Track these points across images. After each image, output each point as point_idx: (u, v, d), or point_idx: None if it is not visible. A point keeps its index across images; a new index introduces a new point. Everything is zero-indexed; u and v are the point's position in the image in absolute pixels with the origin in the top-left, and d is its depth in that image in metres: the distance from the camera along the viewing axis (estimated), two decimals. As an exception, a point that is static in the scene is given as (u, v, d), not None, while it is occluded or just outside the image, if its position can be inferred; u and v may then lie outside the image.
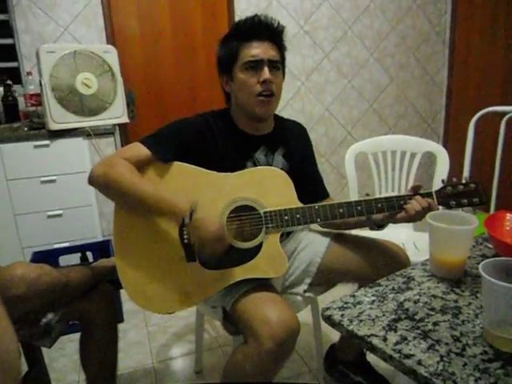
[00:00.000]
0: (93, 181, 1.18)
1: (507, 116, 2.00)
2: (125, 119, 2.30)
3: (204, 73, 3.00)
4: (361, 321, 0.82)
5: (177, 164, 1.21)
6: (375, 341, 0.75)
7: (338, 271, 1.36)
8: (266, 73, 1.21)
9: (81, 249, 2.16)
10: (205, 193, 1.20)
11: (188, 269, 1.18)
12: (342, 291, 1.27)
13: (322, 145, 3.42)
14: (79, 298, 1.25)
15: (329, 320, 0.84)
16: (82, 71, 2.13)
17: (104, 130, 2.30)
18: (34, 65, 2.32)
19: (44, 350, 1.36)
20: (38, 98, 2.33)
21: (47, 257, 2.04)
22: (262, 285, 1.21)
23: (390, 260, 1.29)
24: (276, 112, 1.38)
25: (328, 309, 0.86)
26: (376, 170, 1.99)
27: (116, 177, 1.13)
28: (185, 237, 1.17)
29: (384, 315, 0.83)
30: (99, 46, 2.34)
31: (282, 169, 1.27)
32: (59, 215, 2.23)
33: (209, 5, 2.94)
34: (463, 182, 1.17)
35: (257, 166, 1.29)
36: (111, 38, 2.72)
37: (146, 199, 1.12)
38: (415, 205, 1.15)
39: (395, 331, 0.78)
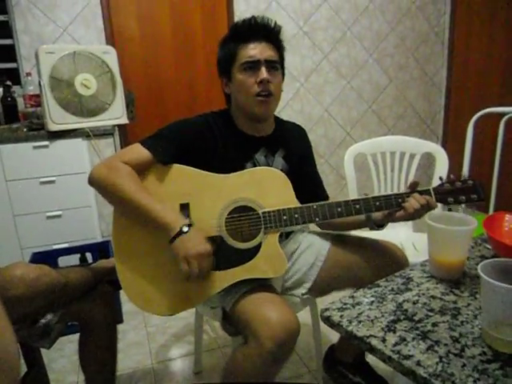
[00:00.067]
0: (92, 182, 1.18)
1: (506, 117, 2.01)
2: (124, 120, 2.30)
3: (203, 73, 3.00)
4: (360, 321, 0.82)
5: (176, 166, 1.21)
6: (374, 342, 0.75)
7: (339, 277, 1.35)
8: (264, 73, 1.21)
9: (80, 250, 2.16)
10: (204, 194, 1.20)
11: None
12: (341, 292, 1.27)
13: (322, 146, 3.42)
14: (78, 298, 1.25)
15: (328, 321, 0.84)
16: (81, 72, 2.13)
17: (103, 130, 2.30)
18: (34, 65, 2.32)
19: (43, 350, 1.36)
20: (37, 99, 2.33)
21: (46, 257, 2.04)
22: (262, 285, 1.21)
23: (389, 261, 1.29)
24: (275, 113, 1.38)
25: (327, 309, 0.86)
26: (375, 171, 1.99)
27: (114, 182, 1.14)
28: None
29: (383, 316, 0.83)
30: (98, 47, 2.34)
31: (281, 170, 1.27)
32: (58, 216, 2.23)
33: (208, 6, 2.94)
34: (461, 178, 1.17)
35: (256, 167, 1.29)
36: (110, 39, 2.72)
37: (139, 210, 1.13)
38: (413, 203, 1.16)
39: (394, 332, 0.78)
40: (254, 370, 1.07)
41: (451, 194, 1.16)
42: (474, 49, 3.38)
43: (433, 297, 0.90)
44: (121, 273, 1.20)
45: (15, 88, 2.44)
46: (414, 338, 0.76)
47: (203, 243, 1.12)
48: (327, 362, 1.61)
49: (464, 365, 0.68)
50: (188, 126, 1.26)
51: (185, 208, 1.19)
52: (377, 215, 1.25)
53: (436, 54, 3.63)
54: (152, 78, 2.91)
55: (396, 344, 0.74)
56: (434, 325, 0.80)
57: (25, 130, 2.18)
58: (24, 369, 1.34)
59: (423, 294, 0.91)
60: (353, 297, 0.91)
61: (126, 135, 2.87)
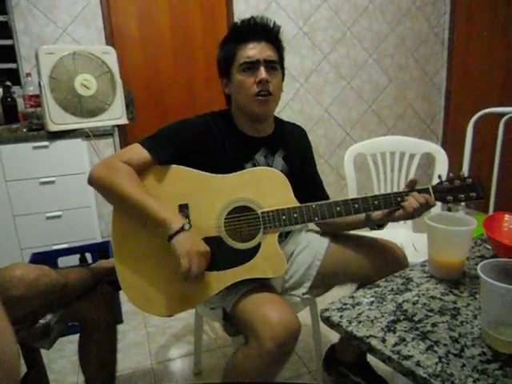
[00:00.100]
0: (92, 181, 1.18)
1: (506, 117, 2.01)
2: (124, 120, 2.30)
3: (203, 74, 3.00)
4: (359, 322, 0.82)
5: (174, 167, 1.21)
6: (374, 342, 0.75)
7: (337, 273, 1.36)
8: (262, 73, 1.21)
9: (80, 250, 2.16)
10: (202, 195, 1.20)
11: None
12: (340, 292, 1.27)
13: (321, 146, 3.42)
14: (78, 299, 1.25)
15: (328, 321, 0.84)
16: (81, 72, 2.13)
17: (103, 131, 2.30)
18: (33, 66, 2.32)
19: (43, 351, 1.36)
20: (37, 99, 2.33)
21: (46, 258, 2.04)
22: (262, 285, 1.21)
23: (388, 258, 1.29)
24: (275, 113, 1.38)
25: (327, 310, 0.86)
26: (375, 171, 1.99)
27: (113, 180, 1.14)
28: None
29: (383, 316, 0.83)
30: (98, 47, 2.34)
31: (281, 171, 1.27)
32: (58, 216, 2.23)
33: (208, 6, 2.94)
34: (460, 177, 1.17)
35: (256, 167, 1.29)
36: (110, 39, 2.72)
37: (138, 207, 1.13)
38: (412, 202, 1.15)
39: (394, 332, 0.78)
40: (255, 370, 1.07)
41: (450, 192, 1.16)
42: (474, 49, 3.38)
43: (432, 297, 0.90)
44: (120, 273, 1.20)
45: (15, 88, 2.44)
46: (413, 339, 0.76)
47: (202, 242, 1.13)
48: (327, 362, 1.61)
49: (463, 365, 0.69)
50: (188, 127, 1.26)
51: (184, 208, 1.19)
52: (376, 215, 1.25)
53: (436, 55, 3.64)
54: (152, 78, 2.91)
55: (396, 344, 0.74)
56: (434, 325, 0.80)
57: (24, 130, 2.18)
58: (24, 369, 1.34)
59: (423, 295, 0.91)
60: (353, 297, 0.91)
61: (125, 135, 2.88)
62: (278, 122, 1.41)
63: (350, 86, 3.42)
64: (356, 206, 1.20)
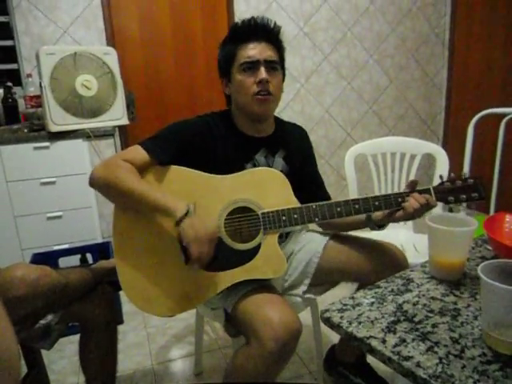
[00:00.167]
0: (93, 182, 1.18)
1: (507, 117, 2.00)
2: (125, 121, 2.30)
3: (204, 74, 3.01)
4: (360, 323, 0.82)
5: (174, 167, 1.21)
6: (374, 343, 0.75)
7: (336, 270, 1.36)
8: (263, 73, 1.21)
9: (80, 250, 2.16)
10: (203, 195, 1.20)
11: (187, 271, 1.18)
12: (341, 293, 1.27)
13: (322, 146, 3.42)
14: (79, 299, 1.25)
15: (328, 322, 0.84)
16: (81, 73, 2.14)
17: (104, 131, 2.31)
18: (34, 67, 2.33)
19: (43, 351, 1.36)
20: (37, 100, 2.33)
21: (47, 258, 2.04)
22: (263, 286, 1.21)
23: (388, 260, 1.29)
24: (276, 114, 1.38)
25: (327, 311, 0.86)
26: (376, 172, 1.99)
27: (115, 177, 1.14)
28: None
29: (383, 317, 0.83)
30: (99, 48, 2.34)
31: (282, 171, 1.27)
32: (59, 217, 2.23)
33: (208, 7, 2.94)
34: (462, 177, 1.17)
35: (256, 167, 1.29)
36: (111, 40, 2.72)
37: (143, 200, 1.12)
38: (413, 202, 1.15)
39: (394, 333, 0.78)
40: (256, 370, 1.07)
41: (452, 192, 1.16)
42: (475, 50, 3.38)
43: (433, 298, 0.90)
44: (121, 273, 1.20)
45: (16, 89, 2.44)
46: (413, 339, 0.76)
47: (208, 223, 1.10)
48: (328, 363, 1.61)
49: (464, 366, 0.68)
50: (188, 127, 1.27)
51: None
52: (377, 215, 1.25)
53: (436, 55, 3.63)
54: (152, 78, 2.92)
55: (396, 345, 0.74)
56: (434, 326, 0.80)
57: (25, 130, 2.18)
58: (24, 370, 1.34)
59: (423, 295, 0.91)
60: (353, 298, 0.91)
61: (126, 136, 2.88)
62: (279, 122, 1.41)
63: (351, 86, 3.42)
64: (356, 206, 1.20)
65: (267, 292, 1.19)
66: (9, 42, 2.52)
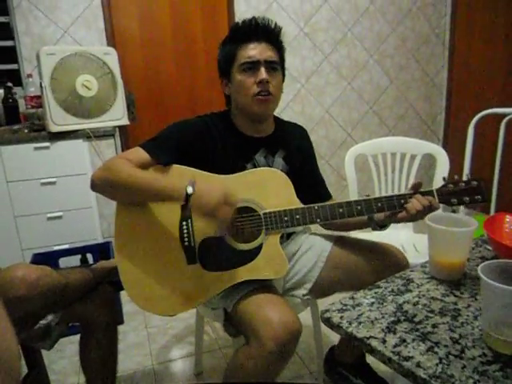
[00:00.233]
0: (94, 184, 1.17)
1: (507, 118, 2.00)
2: (125, 121, 2.31)
3: (204, 75, 3.01)
4: (360, 323, 0.82)
5: (176, 167, 1.22)
6: (374, 343, 0.75)
7: (338, 279, 1.35)
8: (263, 73, 1.21)
9: (81, 251, 2.16)
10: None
11: (189, 270, 1.19)
12: (341, 293, 1.27)
13: (322, 147, 3.42)
14: (79, 299, 1.25)
15: (328, 322, 0.84)
16: (82, 73, 2.14)
17: (104, 132, 2.31)
18: (35, 67, 2.33)
19: (44, 352, 1.36)
20: (38, 100, 2.33)
21: (47, 259, 2.04)
22: (263, 286, 1.21)
23: (390, 263, 1.29)
24: (276, 114, 1.38)
25: (327, 311, 0.86)
26: (376, 172, 1.99)
27: (115, 172, 1.13)
28: (185, 239, 1.18)
29: (383, 317, 0.83)
30: (99, 48, 2.35)
31: (281, 171, 1.27)
32: (59, 217, 2.23)
33: (209, 7, 2.94)
34: (464, 179, 1.16)
35: (256, 168, 1.29)
36: (111, 40, 2.72)
37: (144, 187, 1.12)
38: (416, 204, 1.15)
39: (394, 333, 0.78)
40: (256, 370, 1.07)
41: (454, 194, 1.16)
42: (475, 50, 3.37)
43: (433, 298, 0.90)
44: (123, 273, 1.20)
45: (16, 89, 2.44)
46: (414, 340, 0.76)
47: (212, 192, 1.07)
48: (328, 363, 1.61)
49: (464, 366, 0.68)
50: (187, 128, 1.27)
51: (186, 209, 1.19)
52: (379, 216, 1.25)
53: (437, 55, 3.63)
54: (153, 79, 2.92)
55: (396, 345, 0.74)
56: (434, 326, 0.80)
57: (26, 131, 2.18)
58: (25, 370, 1.34)
59: (423, 296, 0.91)
60: (353, 298, 0.91)
61: (126, 136, 2.88)
62: (279, 122, 1.41)
63: (351, 86, 3.42)
64: (359, 207, 1.19)
65: (268, 292, 1.19)
66: (9, 43, 2.53)
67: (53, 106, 2.08)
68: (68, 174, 2.21)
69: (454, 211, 1.18)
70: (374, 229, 1.29)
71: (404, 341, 0.75)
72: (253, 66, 1.22)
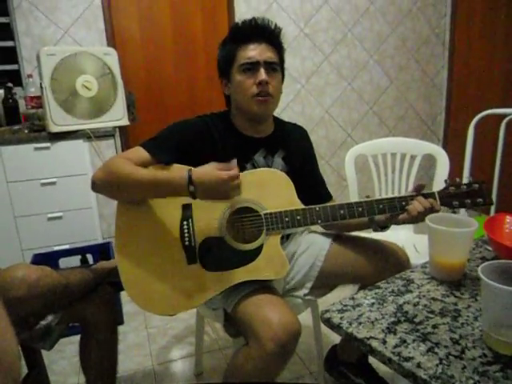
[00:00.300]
0: (95, 185, 1.17)
1: (507, 118, 2.00)
2: (125, 121, 2.31)
3: (204, 75, 3.01)
4: (360, 323, 0.82)
5: (176, 166, 1.21)
6: (374, 343, 0.75)
7: (339, 274, 1.36)
8: (262, 74, 1.22)
9: (81, 251, 2.16)
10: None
11: (189, 271, 1.19)
12: (341, 293, 1.27)
13: (322, 147, 3.42)
14: (79, 300, 1.25)
15: (328, 322, 0.84)
16: (82, 73, 2.14)
17: (104, 132, 2.31)
18: (35, 67, 2.33)
19: (44, 352, 1.35)
20: (38, 101, 2.33)
21: (47, 259, 2.04)
22: (264, 287, 1.21)
23: (390, 260, 1.29)
24: (276, 114, 1.38)
25: (327, 311, 0.86)
26: (376, 173, 1.99)
27: (116, 171, 1.14)
28: (186, 239, 1.18)
29: (383, 318, 0.83)
30: (99, 49, 2.35)
31: (281, 171, 1.27)
32: (59, 217, 2.23)
33: (209, 8, 2.94)
34: (466, 182, 1.16)
35: (256, 168, 1.29)
36: (111, 41, 2.72)
37: (146, 183, 1.12)
38: (417, 206, 1.15)
39: (394, 334, 0.78)
40: (256, 371, 1.07)
41: (456, 197, 1.16)
42: (475, 50, 3.37)
43: (433, 299, 0.90)
44: (123, 273, 1.20)
45: (16, 89, 2.44)
46: (414, 340, 0.76)
47: (211, 170, 1.09)
48: (329, 363, 1.61)
49: (464, 367, 0.68)
50: (187, 128, 1.27)
51: (187, 209, 1.20)
52: (380, 217, 1.25)
53: (437, 56, 3.63)
54: (153, 79, 2.92)
55: (396, 346, 0.74)
56: (435, 327, 0.80)
57: (26, 131, 2.19)
58: (25, 370, 1.34)
59: (424, 296, 0.91)
60: (353, 298, 0.91)
61: (126, 137, 2.88)
62: (278, 122, 1.41)
63: (351, 87, 3.42)
64: (360, 209, 1.19)
65: (268, 293, 1.19)
66: (9, 43, 2.52)
67: (53, 106, 2.09)
68: (68, 174, 2.22)
69: (454, 212, 1.18)
70: (375, 230, 1.29)
71: (404, 341, 0.75)
72: (252, 66, 1.23)
